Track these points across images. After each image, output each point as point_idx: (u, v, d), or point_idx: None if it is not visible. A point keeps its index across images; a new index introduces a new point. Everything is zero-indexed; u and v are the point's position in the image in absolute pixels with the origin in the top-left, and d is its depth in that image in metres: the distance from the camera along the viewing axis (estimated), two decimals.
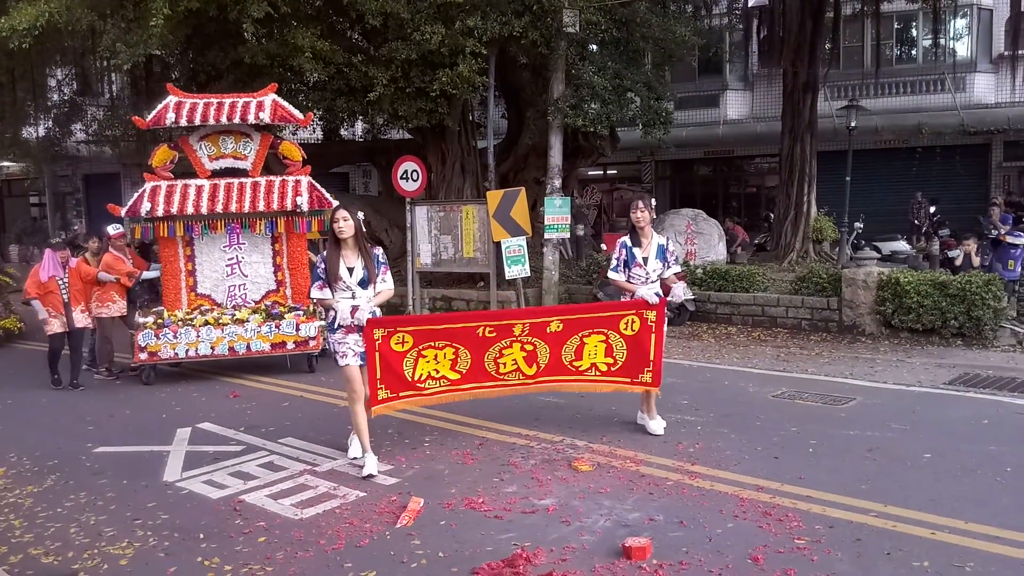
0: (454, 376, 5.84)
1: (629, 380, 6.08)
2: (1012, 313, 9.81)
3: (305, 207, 8.93)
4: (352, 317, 5.37)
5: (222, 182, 9.10)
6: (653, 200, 6.28)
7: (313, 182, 9.23)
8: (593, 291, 12.70)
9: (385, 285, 5.57)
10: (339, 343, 5.46)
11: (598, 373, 6.05)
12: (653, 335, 5.97)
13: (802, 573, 3.87)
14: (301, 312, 8.97)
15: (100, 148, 21.62)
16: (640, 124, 13.50)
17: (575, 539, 4.35)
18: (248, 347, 8.73)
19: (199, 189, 9.02)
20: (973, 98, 19.34)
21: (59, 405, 8.04)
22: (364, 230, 5.63)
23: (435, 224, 12.96)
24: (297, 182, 9.15)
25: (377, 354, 5.55)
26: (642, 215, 6.06)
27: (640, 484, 5.18)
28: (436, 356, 5.76)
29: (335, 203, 8.42)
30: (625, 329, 5.97)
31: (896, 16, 20.07)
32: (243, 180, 9.14)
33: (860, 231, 16.65)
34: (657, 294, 5.99)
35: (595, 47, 13.61)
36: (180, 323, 8.79)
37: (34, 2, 10.77)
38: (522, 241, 12.59)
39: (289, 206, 8.92)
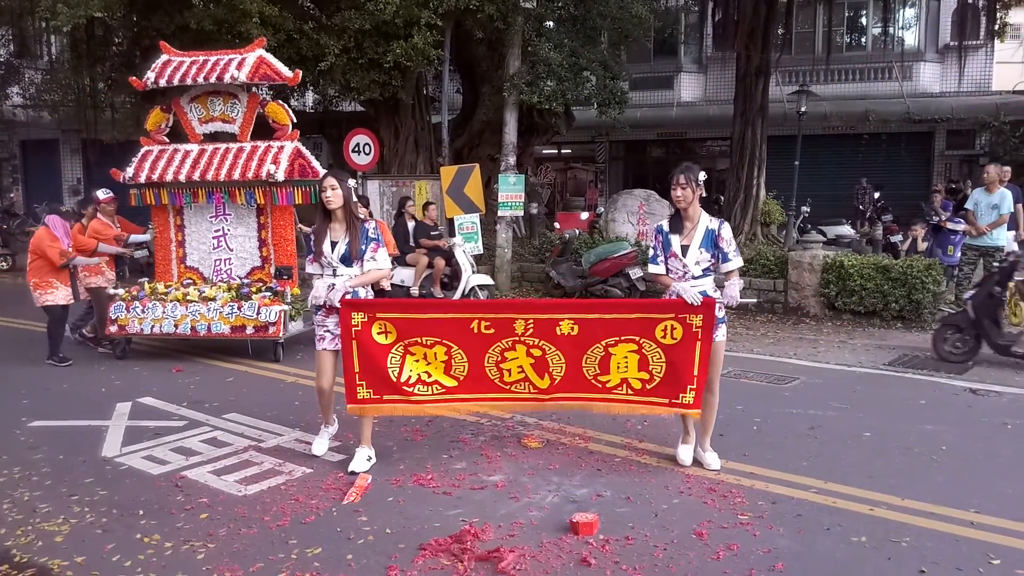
0: (449, 382, 4.89)
1: (667, 401, 4.81)
2: (951, 297, 10.10)
3: (280, 176, 8.09)
4: (326, 296, 4.88)
5: (209, 147, 8.50)
6: (702, 173, 4.96)
7: (301, 148, 8.43)
8: (545, 269, 12.73)
9: (374, 264, 5.00)
10: (318, 324, 5.05)
11: (630, 392, 4.82)
12: (699, 345, 4.70)
13: (745, 548, 3.94)
14: (268, 294, 8.17)
15: (38, 113, 20.85)
16: (595, 103, 13.50)
17: (523, 515, 4.36)
18: (209, 328, 8.09)
19: (186, 155, 8.47)
20: (919, 87, 19.81)
21: None
22: (355, 199, 5.22)
23: (387, 199, 12.83)
24: (280, 148, 8.33)
25: (355, 343, 4.82)
26: (683, 193, 4.84)
27: (588, 461, 5.20)
28: (426, 355, 4.87)
29: (322, 172, 7.96)
30: (664, 337, 4.73)
31: (847, 3, 20.40)
32: (228, 146, 8.48)
33: (807, 215, 16.97)
34: (704, 293, 4.78)
35: (552, 24, 13.54)
36: (151, 297, 8.33)
37: None
38: (476, 218, 12.55)
39: (264, 175, 8.13)
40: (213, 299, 8.17)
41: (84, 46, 15.89)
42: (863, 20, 21.12)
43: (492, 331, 4.80)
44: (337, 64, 11.80)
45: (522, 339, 4.76)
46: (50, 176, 24.76)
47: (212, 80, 8.20)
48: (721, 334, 4.86)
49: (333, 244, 4.96)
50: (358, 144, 12.74)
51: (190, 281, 8.59)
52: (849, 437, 5.65)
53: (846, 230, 16.47)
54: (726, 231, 4.86)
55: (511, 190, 12.81)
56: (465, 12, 12.00)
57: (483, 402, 5.04)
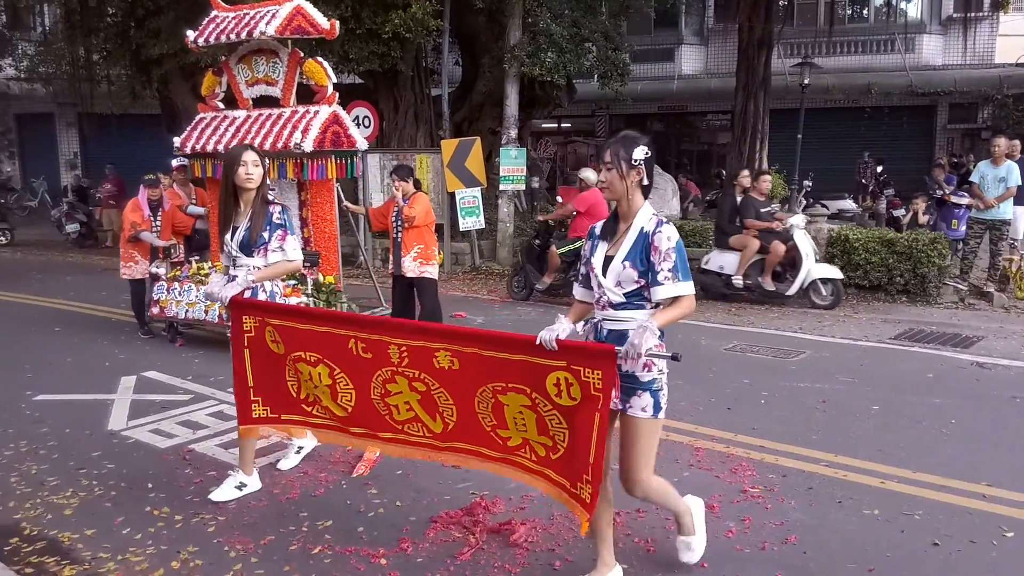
0: (339, 411, 3.83)
1: (568, 484, 3.18)
2: (955, 271, 10.08)
3: (308, 146, 7.09)
4: (220, 292, 4.06)
5: (255, 114, 7.72)
6: (642, 149, 3.11)
7: (339, 114, 7.55)
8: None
9: (281, 255, 4.18)
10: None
11: (535, 458, 3.33)
12: (597, 417, 2.99)
13: (757, 521, 3.93)
14: (292, 283, 7.07)
15: (32, 86, 20.62)
16: (597, 75, 13.36)
17: (533, 488, 4.33)
18: (221, 316, 7.24)
19: (232, 122, 7.73)
20: (922, 60, 19.65)
21: None
22: (267, 183, 4.38)
23: (387, 173, 12.71)
24: (313, 115, 7.34)
25: (247, 352, 4.01)
26: (607, 177, 3.13)
27: None
28: (311, 376, 3.83)
29: (362, 143, 7.48)
30: (559, 395, 3.10)
31: None
32: (271, 112, 7.63)
33: (809, 189, 16.90)
34: (618, 334, 3.11)
35: None
36: (192, 279, 7.72)
37: None
38: (477, 192, 12.46)
39: (292, 145, 7.15)
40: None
41: (78, 17, 15.68)
42: None
43: (369, 355, 3.61)
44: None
45: (400, 370, 3.53)
46: (46, 150, 24.57)
47: (244, 36, 7.37)
48: (646, 408, 3.11)
49: (234, 230, 4.19)
50: (357, 117, 12.59)
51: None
52: (857, 411, 5.63)
53: (848, 204, 16.43)
54: (664, 237, 3.02)
55: (512, 163, 12.72)
56: None
57: (379, 442, 3.79)
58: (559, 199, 16.62)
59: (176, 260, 8.36)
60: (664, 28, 21.64)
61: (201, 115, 8.01)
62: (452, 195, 12.40)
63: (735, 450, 4.89)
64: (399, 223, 7.39)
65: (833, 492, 4.29)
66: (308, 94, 7.68)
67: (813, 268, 9.18)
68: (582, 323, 3.36)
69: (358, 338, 3.63)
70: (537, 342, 3.04)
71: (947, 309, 9.31)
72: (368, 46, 12.05)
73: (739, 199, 9.65)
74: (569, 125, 24.22)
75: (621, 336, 3.06)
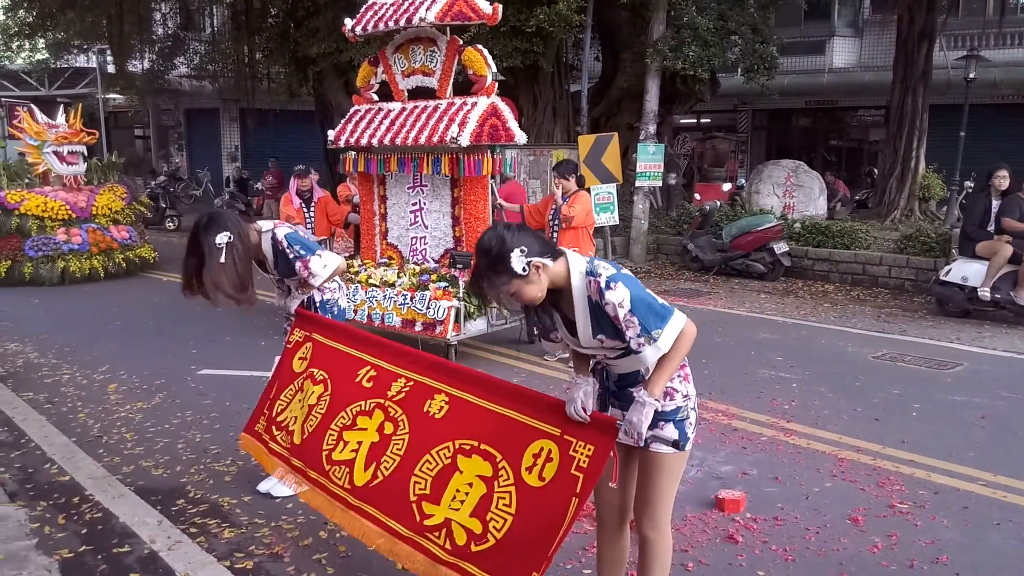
0: (297, 438, 3.52)
1: None
2: None
3: (465, 140, 6.54)
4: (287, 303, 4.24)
5: (410, 106, 7.30)
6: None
7: (498, 105, 6.94)
8: (683, 242, 12.45)
9: (318, 279, 4.09)
10: None
11: (447, 546, 2.75)
12: (575, 501, 2.53)
13: (905, 538, 3.75)
14: (443, 285, 6.91)
15: (200, 83, 22.21)
16: (742, 69, 12.99)
17: None
18: (383, 318, 7.11)
19: (386, 115, 7.36)
20: None
21: (164, 328, 8.39)
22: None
23: (524, 168, 12.86)
24: (471, 107, 6.82)
25: (278, 359, 4.00)
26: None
27: (733, 437, 5.08)
28: (309, 393, 3.58)
29: (521, 136, 6.88)
30: (530, 471, 2.66)
31: None
32: (427, 104, 7.19)
33: (971, 190, 15.76)
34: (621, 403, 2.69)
35: None
36: (342, 276, 7.62)
37: None
38: (612, 188, 12.39)
39: (448, 140, 6.64)
40: (392, 285, 7.17)
41: (243, 18, 16.77)
42: None
43: (369, 385, 3.30)
44: (480, 33, 11.88)
45: (386, 404, 3.17)
46: (210, 143, 26.40)
47: (402, 23, 6.98)
48: (670, 441, 2.62)
49: (260, 265, 4.22)
50: None
51: (385, 261, 7.68)
52: (1021, 428, 5.24)
53: None
54: (614, 305, 2.46)
55: (650, 160, 12.56)
56: None
57: (306, 481, 3.38)
58: (696, 196, 16.33)
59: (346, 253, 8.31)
60: (816, 20, 20.70)
61: (355, 107, 7.73)
62: (588, 191, 12.39)
63: (882, 463, 4.66)
64: (556, 222, 7.12)
65: (991, 513, 4.02)
66: (462, 87, 7.40)
67: None
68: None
69: (375, 366, 3.31)
70: (571, 413, 2.57)
71: None
72: (512, 42, 12.21)
73: (995, 202, 8.40)
74: (709, 120, 23.65)
75: (633, 377, 2.63)
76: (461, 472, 2.82)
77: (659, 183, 13.52)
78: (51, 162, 11.69)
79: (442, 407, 3.00)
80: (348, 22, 7.42)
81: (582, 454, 2.55)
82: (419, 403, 3.06)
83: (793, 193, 12.91)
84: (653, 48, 12.37)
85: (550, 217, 7.23)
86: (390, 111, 7.39)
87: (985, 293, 8.27)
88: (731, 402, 5.77)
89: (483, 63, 6.89)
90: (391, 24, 7.04)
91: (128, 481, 4.42)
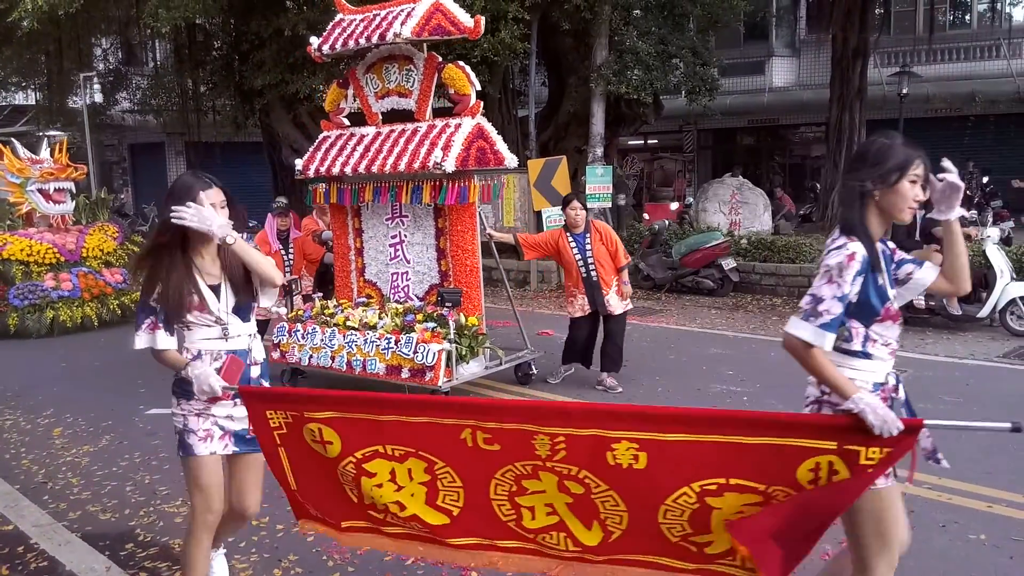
0: (436, 519, 2.80)
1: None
2: None
3: (450, 165, 5.97)
4: (214, 379, 2.92)
5: (385, 130, 6.73)
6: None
7: (484, 127, 6.39)
8: (634, 261, 12.61)
9: (267, 302, 3.21)
10: (190, 414, 3.09)
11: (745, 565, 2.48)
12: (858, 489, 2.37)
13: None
14: (431, 326, 6.17)
15: (144, 117, 21.95)
16: (684, 91, 13.29)
17: None
18: (364, 365, 6.33)
19: (360, 140, 6.78)
20: None
21: (111, 368, 8.21)
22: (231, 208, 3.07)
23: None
24: (455, 128, 6.24)
25: (283, 451, 2.91)
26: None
27: None
28: (394, 474, 2.79)
29: (511, 160, 6.38)
30: (811, 481, 2.32)
31: None
32: (404, 127, 6.61)
33: None
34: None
35: (639, 12, 13.40)
36: (316, 319, 6.77)
37: None
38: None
39: (431, 165, 6.07)
40: (373, 327, 6.41)
41: (186, 51, 16.68)
42: None
43: (497, 447, 2.62)
44: None
45: (549, 465, 2.57)
46: (156, 177, 26.03)
47: (375, 40, 6.38)
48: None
49: (214, 289, 3.03)
50: None
51: (363, 300, 6.99)
52: (964, 432, 5.38)
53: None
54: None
55: (598, 181, 12.74)
56: (552, 4, 12.01)
57: (496, 553, 2.88)
58: (645, 216, 16.58)
59: (304, 292, 7.75)
60: (754, 41, 21.33)
61: (325, 133, 7.13)
62: (538, 214, 12.51)
63: None
64: (588, 257, 6.57)
65: (936, 516, 4.13)
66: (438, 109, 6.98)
67: (1010, 287, 8.10)
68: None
69: (478, 427, 2.60)
70: (878, 430, 2.20)
71: None
72: None
73: (920, 213, 8.94)
74: (656, 141, 24.08)
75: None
76: (718, 510, 2.42)
77: (609, 204, 13.69)
78: (36, 201, 10.65)
79: (635, 457, 2.44)
80: (314, 41, 6.82)
81: (877, 455, 2.25)
82: (596, 458, 2.49)
83: (739, 210, 13.19)
84: (597, 73, 12.59)
85: (576, 252, 6.59)
86: (363, 136, 6.81)
87: (920, 301, 8.49)
88: None
89: (466, 81, 6.30)
90: (362, 41, 6.44)
91: (75, 527, 4.30)
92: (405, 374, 6.11)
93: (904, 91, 14.72)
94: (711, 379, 6.98)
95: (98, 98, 20.71)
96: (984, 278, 8.42)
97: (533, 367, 7.01)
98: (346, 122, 7.11)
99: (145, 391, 7.15)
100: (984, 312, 8.32)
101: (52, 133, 23.18)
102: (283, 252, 7.81)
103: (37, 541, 4.09)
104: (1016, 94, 18.11)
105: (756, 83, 21.14)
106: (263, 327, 6.97)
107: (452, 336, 6.07)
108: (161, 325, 2.98)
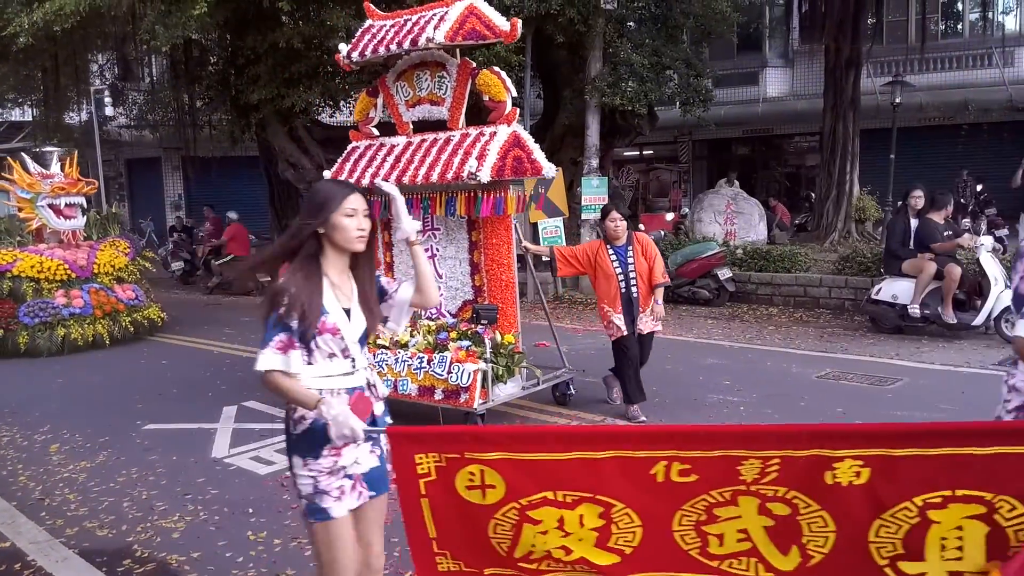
0: (605, 559, 2.57)
1: None
2: None
3: (485, 175, 5.65)
4: (355, 420, 2.47)
5: (416, 140, 6.42)
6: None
7: (520, 135, 6.04)
8: None
9: (394, 328, 2.92)
10: (320, 473, 2.61)
11: None
12: None
13: None
14: (466, 344, 5.89)
15: (141, 132, 21.99)
16: (679, 102, 13.37)
17: None
18: (396, 386, 6.02)
19: (390, 151, 6.50)
20: (1022, 73, 18.81)
21: (109, 384, 8.20)
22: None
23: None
24: (490, 137, 5.92)
25: (425, 502, 2.59)
26: None
27: None
28: (563, 522, 2.54)
29: (549, 169, 5.95)
30: None
31: None
32: (436, 136, 6.30)
33: (891, 211, 16.35)
34: None
35: (633, 24, 13.48)
36: None
37: None
38: (559, 222, 12.57)
39: (465, 175, 5.76)
40: (405, 345, 6.16)
41: (182, 67, 16.71)
42: (959, 6, 20.24)
43: (694, 478, 2.44)
44: None
45: (753, 488, 2.42)
46: (153, 192, 26.07)
47: (407, 46, 6.14)
48: None
49: (346, 312, 2.65)
50: None
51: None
52: None
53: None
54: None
55: (594, 193, 12.79)
56: (546, 17, 12.05)
57: None
58: (641, 226, 16.61)
59: None
60: (748, 52, 21.44)
61: (354, 144, 6.86)
62: (535, 226, 12.54)
63: None
64: (629, 271, 6.10)
65: None
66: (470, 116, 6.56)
67: (1004, 295, 8.02)
68: None
69: (677, 457, 2.40)
70: None
71: None
72: None
73: (913, 221, 8.74)
74: (651, 152, 24.16)
75: None
76: (939, 523, 2.28)
77: None
78: (46, 216, 10.37)
79: (857, 473, 2.31)
80: (343, 48, 6.57)
81: None
82: (812, 478, 2.34)
83: (734, 220, 13.24)
84: (591, 85, 12.65)
85: (617, 266, 6.10)
86: (394, 146, 6.53)
87: (915, 310, 8.54)
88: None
89: (502, 87, 6.01)
90: (393, 48, 6.21)
91: (72, 544, 4.29)
92: (438, 395, 5.85)
93: (897, 100, 14.79)
94: (708, 389, 7.00)
95: (108, 111, 20.75)
96: (979, 286, 8.46)
97: (572, 387, 6.73)
98: (375, 132, 6.87)
99: (143, 406, 7.15)
100: (979, 320, 8.35)
101: (48, 149, 23.26)
102: None
103: (34, 558, 4.09)
104: (1008, 102, 18.21)
105: (750, 93, 21.24)
106: None
107: (488, 354, 5.81)
108: (297, 345, 2.52)
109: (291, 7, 11.33)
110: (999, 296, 8.17)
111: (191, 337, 10.58)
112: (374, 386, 2.75)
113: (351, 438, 2.45)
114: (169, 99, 18.36)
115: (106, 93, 20.13)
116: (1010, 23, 19.43)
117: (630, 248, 6.15)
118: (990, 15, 19.19)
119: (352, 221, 2.58)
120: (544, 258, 6.76)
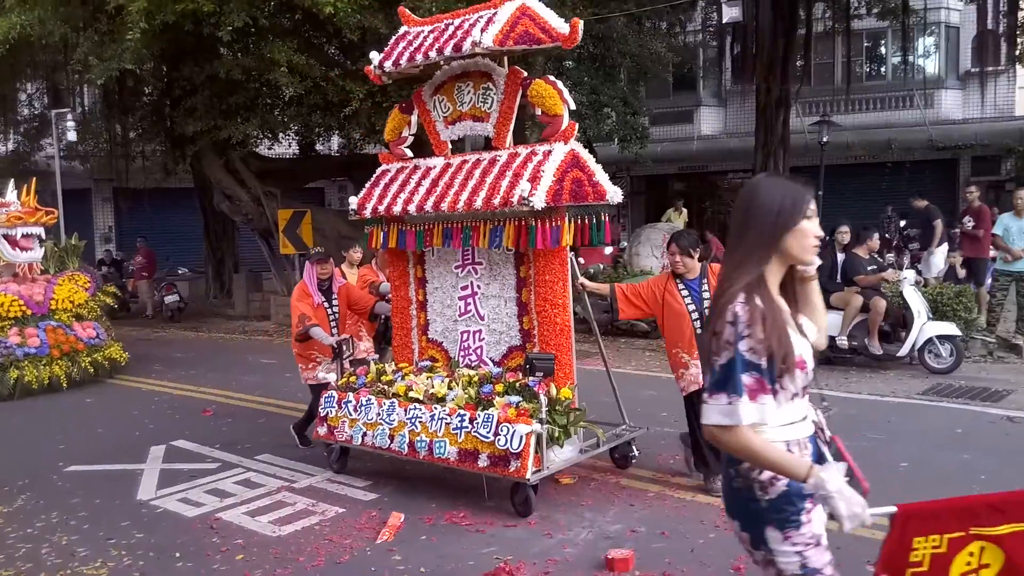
0: None
1: None
2: (983, 324, 9.96)
3: (539, 201, 4.83)
4: (857, 495, 2.04)
5: (456, 161, 5.61)
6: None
7: (579, 153, 5.23)
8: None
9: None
10: (814, 547, 2.14)
11: None
12: None
13: None
14: (516, 400, 4.92)
15: (71, 163, 21.39)
16: (616, 139, 13.64)
17: (558, 552, 4.33)
18: (430, 448, 5.11)
19: (425, 173, 5.67)
20: (941, 114, 19.78)
21: (29, 423, 7.87)
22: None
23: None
24: (545, 156, 5.09)
25: None
26: None
27: (621, 496, 5.17)
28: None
29: (615, 194, 5.06)
30: None
31: (866, 33, 20.49)
32: (480, 157, 5.52)
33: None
34: None
35: (571, 63, 13.74)
36: (371, 387, 5.65)
37: (5, 15, 10.67)
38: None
39: (515, 200, 4.94)
40: (442, 399, 5.26)
41: (116, 97, 16.39)
42: (882, 49, 21.20)
43: None
44: (363, 108, 12.02)
45: None
46: (83, 224, 25.25)
47: (447, 52, 5.30)
48: None
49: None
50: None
51: (427, 363, 5.77)
52: (886, 467, 5.55)
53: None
54: None
55: None
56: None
57: None
58: (580, 260, 16.76)
59: (354, 357, 6.30)
60: (683, 91, 22.06)
61: (384, 167, 6.03)
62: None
63: None
64: (703, 309, 5.07)
65: (861, 552, 4.21)
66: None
67: (927, 326, 8.37)
68: None
69: None
70: None
71: (975, 363, 9.17)
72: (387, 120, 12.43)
73: (840, 256, 9.01)
74: None
75: None
76: None
77: None
78: (1, 249, 9.58)
79: None
80: (375, 57, 5.79)
81: None
82: None
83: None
84: (532, 121, 12.82)
85: (691, 306, 5.15)
86: (430, 168, 5.71)
87: (843, 342, 8.78)
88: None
89: (558, 99, 5.19)
90: (432, 55, 5.39)
91: None
92: (483, 462, 4.87)
93: (825, 139, 15.36)
94: (645, 421, 7.02)
95: (50, 140, 20.11)
96: (903, 318, 8.76)
97: (634, 447, 5.77)
98: (408, 153, 6.04)
99: (65, 447, 6.87)
100: (904, 351, 8.63)
101: None
102: (326, 305, 6.49)
103: None
104: (929, 141, 19.08)
105: (685, 131, 21.81)
106: (316, 394, 6.16)
107: (544, 414, 4.82)
108: (770, 388, 1.98)
109: (230, 38, 11.24)
110: (922, 328, 8.46)
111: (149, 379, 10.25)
112: (822, 429, 2.21)
113: (861, 518, 1.95)
114: (101, 129, 17.97)
115: (79, 114, 19.45)
116: (930, 67, 20.43)
117: (704, 281, 5.21)
118: (911, 59, 20.14)
119: (812, 225, 2.13)
120: (600, 299, 5.80)
